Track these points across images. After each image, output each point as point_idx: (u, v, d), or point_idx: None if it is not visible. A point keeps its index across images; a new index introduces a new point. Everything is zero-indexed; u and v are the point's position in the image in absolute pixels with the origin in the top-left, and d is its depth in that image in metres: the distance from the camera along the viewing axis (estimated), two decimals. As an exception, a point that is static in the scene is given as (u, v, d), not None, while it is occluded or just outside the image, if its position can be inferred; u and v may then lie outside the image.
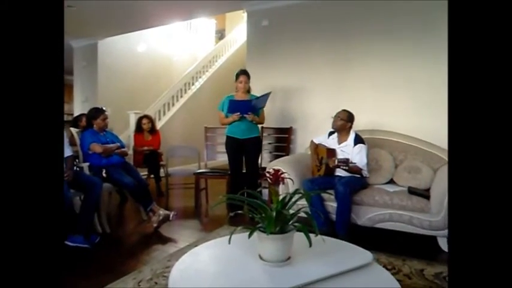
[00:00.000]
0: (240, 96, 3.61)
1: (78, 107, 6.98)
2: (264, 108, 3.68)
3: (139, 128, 5.03)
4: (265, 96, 3.53)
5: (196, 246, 1.78)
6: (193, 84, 7.32)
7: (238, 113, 3.50)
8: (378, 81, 3.79)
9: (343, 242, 1.79)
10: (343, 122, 3.14)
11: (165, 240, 2.99)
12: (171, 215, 3.22)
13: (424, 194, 2.80)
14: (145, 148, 4.81)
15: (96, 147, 3.32)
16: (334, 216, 2.89)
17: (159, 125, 6.19)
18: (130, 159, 4.40)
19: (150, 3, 4.63)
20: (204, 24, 8.63)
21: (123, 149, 3.58)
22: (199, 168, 4.31)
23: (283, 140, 4.26)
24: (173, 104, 6.86)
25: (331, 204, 2.95)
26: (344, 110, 3.20)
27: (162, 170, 4.73)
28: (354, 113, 3.21)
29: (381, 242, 2.79)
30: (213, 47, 8.36)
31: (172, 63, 7.74)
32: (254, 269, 1.44)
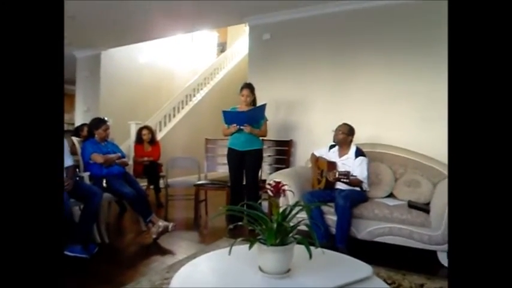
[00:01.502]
0: (243, 108, 3.63)
1: (79, 116, 7.01)
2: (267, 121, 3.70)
3: (139, 138, 5.05)
4: (260, 107, 3.56)
5: (195, 258, 1.77)
6: (194, 96, 7.37)
7: (235, 125, 3.52)
8: (380, 95, 3.82)
9: (343, 255, 1.79)
10: (344, 136, 3.16)
11: (164, 252, 2.97)
12: (170, 226, 3.21)
13: (424, 208, 2.80)
14: (145, 159, 4.82)
15: (97, 157, 3.33)
16: (334, 230, 2.89)
17: (159, 136, 6.21)
18: (130, 170, 4.40)
19: (153, 16, 4.70)
20: (206, 37, 8.73)
21: (123, 159, 3.59)
22: (200, 180, 4.31)
23: (284, 153, 4.27)
24: (174, 116, 6.90)
25: (331, 218, 2.95)
26: (345, 124, 3.22)
27: (161, 181, 4.72)
28: (355, 127, 3.24)
29: (380, 256, 2.77)
30: (215, 60, 8.44)
31: (174, 74, 7.81)
32: (254, 281, 1.44)
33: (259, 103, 3.75)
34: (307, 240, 1.41)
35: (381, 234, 2.83)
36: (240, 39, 8.51)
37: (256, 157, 3.64)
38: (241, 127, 3.50)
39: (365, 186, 3.06)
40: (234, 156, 3.61)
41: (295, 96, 4.35)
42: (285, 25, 4.42)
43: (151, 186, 4.78)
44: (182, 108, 7.08)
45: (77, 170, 3.37)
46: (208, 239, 3.36)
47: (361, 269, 1.57)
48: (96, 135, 3.50)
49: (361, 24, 3.94)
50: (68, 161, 3.05)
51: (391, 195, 3.25)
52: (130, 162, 4.82)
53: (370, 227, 2.87)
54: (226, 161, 3.74)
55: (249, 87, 3.67)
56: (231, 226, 1.67)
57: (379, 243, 2.86)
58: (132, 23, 5.06)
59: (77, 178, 3.18)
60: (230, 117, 3.55)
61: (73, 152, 3.41)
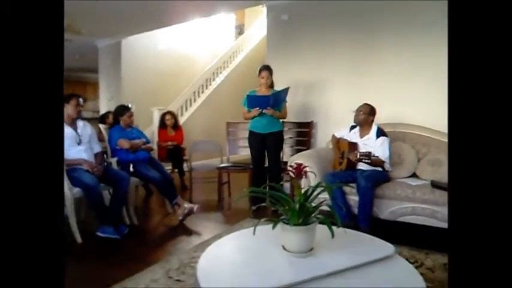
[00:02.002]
0: (262, 91, 3.64)
1: (104, 104, 7.21)
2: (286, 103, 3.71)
3: (162, 123, 5.16)
4: (283, 91, 3.56)
5: (220, 238, 1.84)
6: (214, 80, 7.42)
7: (258, 108, 3.54)
8: (400, 73, 3.74)
9: (365, 234, 1.82)
10: (365, 116, 3.14)
11: (190, 232, 3.09)
12: (195, 208, 3.32)
13: (447, 187, 2.78)
14: (169, 143, 4.94)
15: (124, 143, 3.45)
16: (356, 210, 2.91)
17: (181, 120, 6.32)
18: (154, 154, 4.53)
19: (171, 2, 4.71)
20: (224, 20, 8.68)
21: (148, 145, 3.71)
22: (222, 163, 4.39)
23: (304, 134, 4.28)
24: (195, 100, 6.98)
25: (353, 198, 2.97)
26: (366, 104, 3.19)
27: (185, 165, 4.84)
28: (376, 106, 3.20)
29: (403, 235, 2.78)
30: (233, 43, 8.41)
31: (193, 59, 7.85)
32: (278, 259, 1.50)
33: (277, 84, 3.75)
34: (330, 220, 1.45)
35: (403, 214, 2.84)
36: (258, 20, 8.42)
37: (277, 139, 3.67)
38: (264, 111, 3.52)
39: (387, 166, 3.05)
40: (255, 138, 3.65)
41: (315, 77, 4.31)
42: (303, 5, 4.35)
43: (176, 170, 4.91)
44: (202, 92, 7.15)
45: (105, 155, 3.51)
46: (232, 220, 3.45)
47: (383, 247, 1.61)
48: (121, 122, 3.62)
49: (381, 2, 3.82)
50: (97, 148, 3.18)
51: (414, 175, 3.23)
52: (155, 147, 4.95)
53: (392, 206, 2.87)
54: (247, 144, 3.79)
55: (268, 69, 3.67)
56: (254, 207, 1.73)
57: (402, 223, 2.87)
58: (150, 9, 5.08)
59: (105, 164, 3.32)
60: (254, 101, 3.57)
61: (100, 139, 3.54)
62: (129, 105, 3.75)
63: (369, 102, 3.21)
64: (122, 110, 3.66)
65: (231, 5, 5.39)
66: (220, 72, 7.58)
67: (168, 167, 4.57)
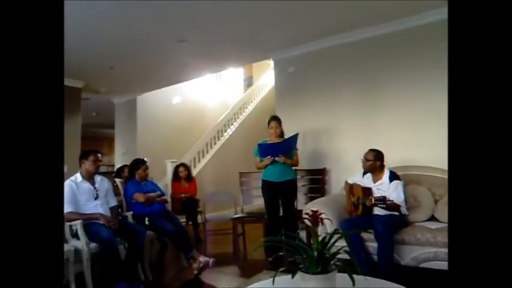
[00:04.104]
0: (272, 140, 3.71)
1: (118, 158, 7.40)
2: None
3: (176, 176, 5.23)
4: (293, 137, 3.62)
5: (239, 290, 1.81)
6: (225, 131, 7.60)
7: (270, 156, 3.58)
8: (409, 117, 3.80)
9: (387, 281, 1.76)
10: (371, 162, 3.15)
11: (207, 287, 3.01)
12: (210, 262, 3.26)
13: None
14: (183, 195, 4.97)
15: (139, 197, 3.50)
16: (375, 257, 2.82)
17: (194, 172, 6.39)
18: (168, 207, 4.54)
19: (183, 60, 5.00)
20: (232, 73, 9.06)
21: (163, 197, 3.74)
22: (236, 213, 4.36)
23: (317, 181, 4.27)
24: (207, 151, 7.10)
25: (372, 245, 2.89)
26: (370, 150, 3.21)
27: (199, 216, 4.82)
28: (386, 150, 3.22)
29: (427, 282, 2.66)
30: (243, 94, 8.72)
31: (205, 112, 8.11)
32: (299, 310, 1.45)
33: (288, 134, 3.83)
34: (349, 267, 1.42)
35: (426, 260, 2.73)
36: (266, 72, 8.78)
37: (291, 187, 3.66)
38: (276, 158, 3.56)
39: (403, 210, 2.99)
40: (269, 187, 3.65)
41: (324, 124, 4.40)
42: (308, 57, 4.57)
43: (190, 222, 4.88)
44: (214, 143, 7.30)
45: (120, 209, 3.55)
46: (248, 272, 3.36)
47: (407, 295, 1.55)
48: (136, 176, 3.70)
49: (384, 49, 4.00)
50: (113, 202, 3.23)
51: (432, 218, 3.15)
52: (169, 199, 4.98)
53: (413, 252, 2.78)
54: (261, 193, 3.79)
55: (276, 119, 3.76)
56: (270, 258, 1.71)
57: (425, 268, 2.75)
58: (163, 69, 5.41)
59: (120, 217, 3.35)
60: (264, 149, 3.62)
61: (116, 193, 3.60)
62: (145, 159, 3.85)
63: (375, 148, 3.22)
64: (138, 163, 3.75)
65: (240, 61, 5.70)
66: (232, 124, 7.78)
67: (182, 219, 4.55)
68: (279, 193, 3.62)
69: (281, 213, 3.69)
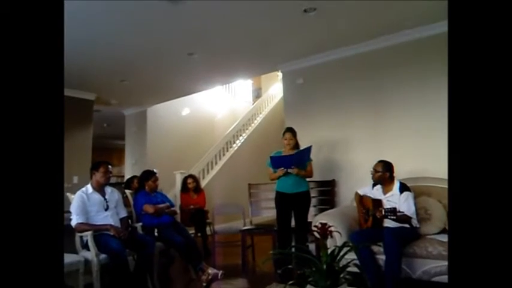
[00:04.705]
0: (287, 152, 3.68)
1: (128, 169, 7.46)
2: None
3: (185, 187, 5.25)
4: (306, 149, 3.60)
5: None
6: (234, 142, 7.62)
7: (282, 168, 3.56)
8: (418, 128, 3.78)
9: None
10: (381, 173, 3.12)
11: (215, 299, 2.99)
12: (219, 274, 3.25)
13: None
14: (192, 207, 4.97)
15: (149, 208, 3.52)
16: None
17: (203, 183, 6.40)
18: (177, 218, 4.55)
19: (193, 73, 5.08)
20: (241, 85, 9.15)
21: (172, 209, 3.76)
22: (245, 225, 4.35)
23: (327, 193, 4.25)
24: (216, 163, 7.12)
25: (382, 258, 2.84)
26: (379, 162, 3.19)
27: (208, 228, 4.81)
28: (396, 162, 3.19)
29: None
30: (251, 106, 8.77)
31: (214, 123, 8.17)
32: (308, 325, 1.44)
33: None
34: (358, 281, 1.41)
35: (438, 274, 2.68)
36: (274, 84, 8.84)
37: (305, 199, 3.61)
38: (289, 170, 3.54)
39: (414, 222, 2.95)
40: (282, 199, 3.61)
41: (333, 136, 4.39)
42: (317, 68, 4.59)
43: (199, 234, 4.87)
44: (223, 155, 7.32)
45: (129, 221, 3.57)
46: (257, 285, 3.33)
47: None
48: (146, 187, 3.72)
49: (392, 60, 4.01)
50: (123, 213, 3.26)
51: (444, 231, 3.10)
52: (178, 210, 4.99)
53: (425, 266, 2.73)
54: (270, 205, 3.76)
55: (291, 131, 3.74)
56: (279, 271, 1.70)
57: (438, 283, 2.70)
58: (173, 81, 5.49)
59: (130, 229, 3.36)
60: (278, 161, 3.61)
61: (126, 204, 3.62)
62: (154, 170, 3.88)
63: (384, 159, 3.21)
64: (148, 175, 3.78)
65: (249, 73, 5.75)
66: (240, 135, 7.81)
67: (191, 230, 4.55)
68: (293, 205, 3.58)
69: (292, 225, 3.65)
